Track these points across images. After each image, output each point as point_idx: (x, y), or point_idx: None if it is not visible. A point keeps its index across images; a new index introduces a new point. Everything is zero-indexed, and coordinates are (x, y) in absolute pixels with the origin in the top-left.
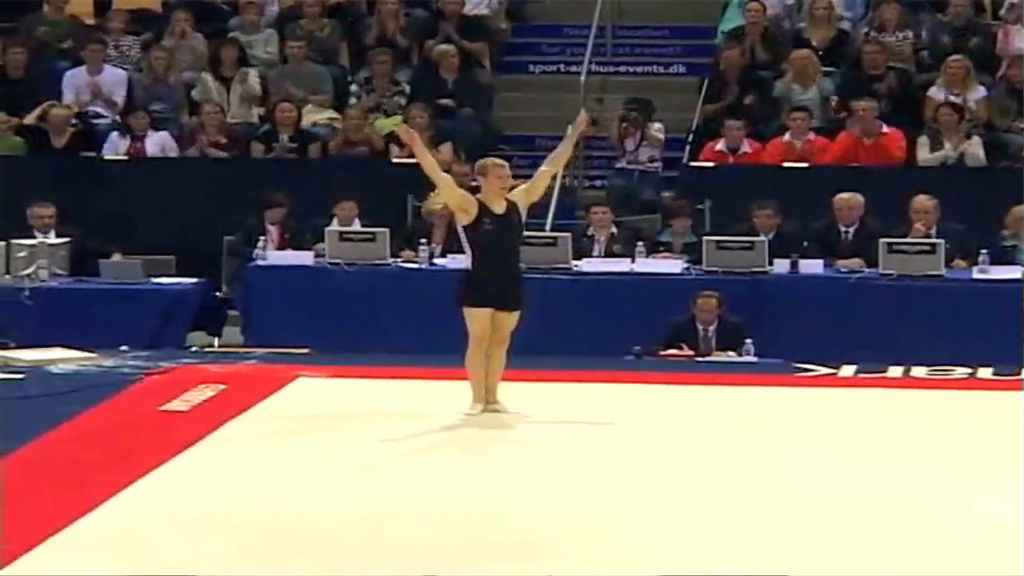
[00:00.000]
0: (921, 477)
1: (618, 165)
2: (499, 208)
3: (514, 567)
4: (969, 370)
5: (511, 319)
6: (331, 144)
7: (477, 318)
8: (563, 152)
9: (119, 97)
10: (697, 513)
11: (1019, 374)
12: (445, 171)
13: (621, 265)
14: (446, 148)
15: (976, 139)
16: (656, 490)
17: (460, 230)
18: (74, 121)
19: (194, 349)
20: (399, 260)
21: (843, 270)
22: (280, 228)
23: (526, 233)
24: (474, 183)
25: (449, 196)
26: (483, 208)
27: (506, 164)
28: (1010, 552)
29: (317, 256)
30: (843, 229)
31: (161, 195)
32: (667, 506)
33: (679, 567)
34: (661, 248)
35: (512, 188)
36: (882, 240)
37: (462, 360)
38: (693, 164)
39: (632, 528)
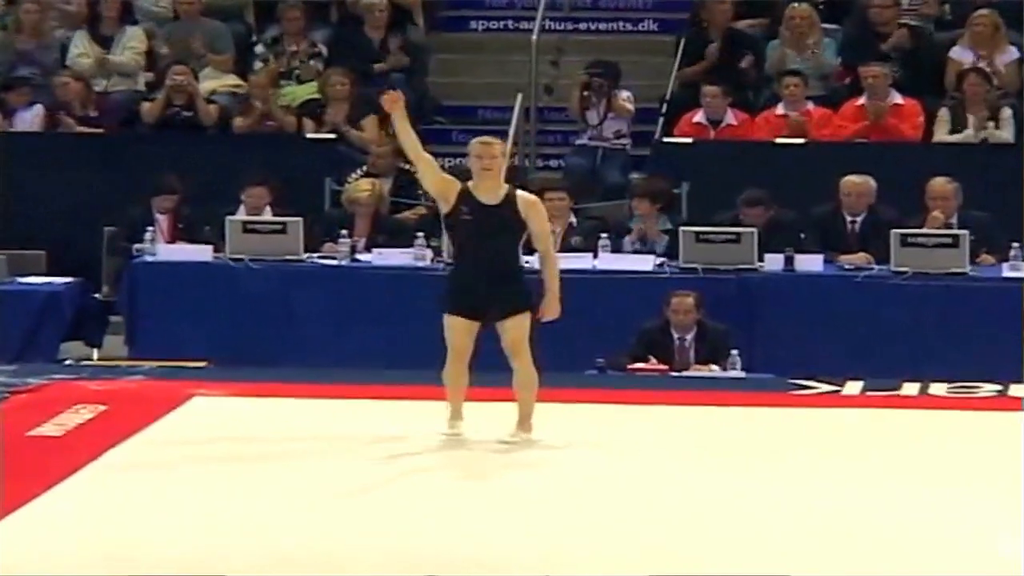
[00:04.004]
0: (938, 514)
1: (578, 141)
2: (489, 198)
3: None
4: (998, 387)
5: (511, 326)
6: (238, 121)
7: (450, 327)
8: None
9: None
10: (676, 549)
11: None
12: (367, 151)
13: (582, 261)
14: (370, 122)
15: (1006, 111)
16: (627, 525)
17: (442, 217)
18: None
19: (69, 362)
20: (315, 256)
21: (848, 267)
22: (172, 218)
23: None
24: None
25: (430, 180)
26: (465, 195)
27: (495, 142)
28: None
29: (217, 251)
30: (848, 218)
31: (29, 179)
32: (640, 542)
33: None
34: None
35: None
36: (894, 231)
37: (390, 375)
38: (667, 140)
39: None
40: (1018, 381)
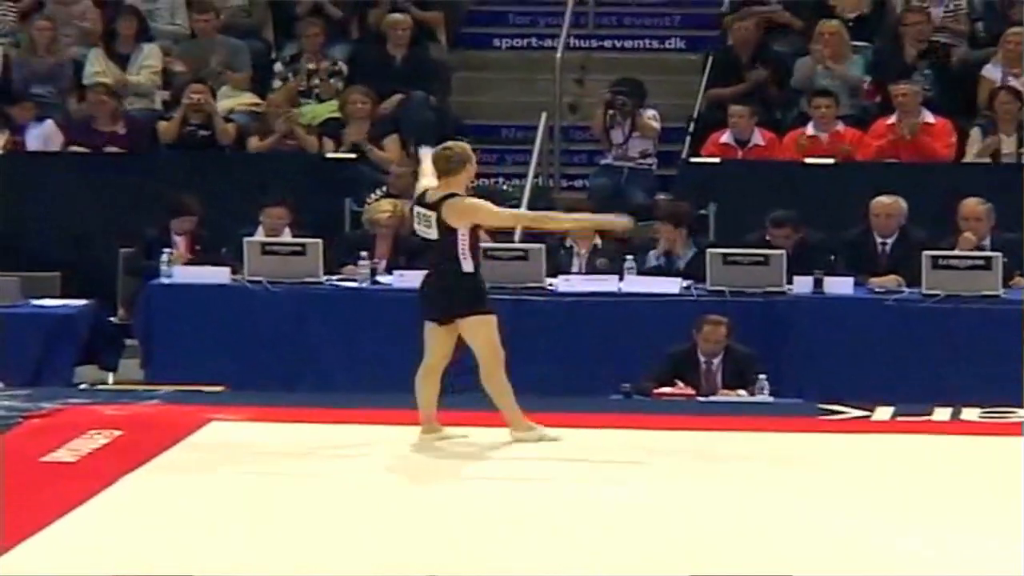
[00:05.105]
0: (968, 542)
1: (603, 161)
2: None
3: None
4: None
5: None
6: (256, 141)
7: (493, 325)
8: None
9: None
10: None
11: None
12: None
13: (606, 284)
14: (392, 141)
15: None
16: (646, 547)
17: (464, 233)
18: None
19: (83, 386)
20: (334, 278)
21: (878, 290)
22: (189, 239)
23: (491, 245)
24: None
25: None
26: None
27: None
28: None
29: (234, 273)
30: (879, 240)
31: (44, 198)
32: (658, 564)
33: None
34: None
35: None
36: (925, 253)
37: (408, 399)
38: (694, 160)
39: None
40: None
